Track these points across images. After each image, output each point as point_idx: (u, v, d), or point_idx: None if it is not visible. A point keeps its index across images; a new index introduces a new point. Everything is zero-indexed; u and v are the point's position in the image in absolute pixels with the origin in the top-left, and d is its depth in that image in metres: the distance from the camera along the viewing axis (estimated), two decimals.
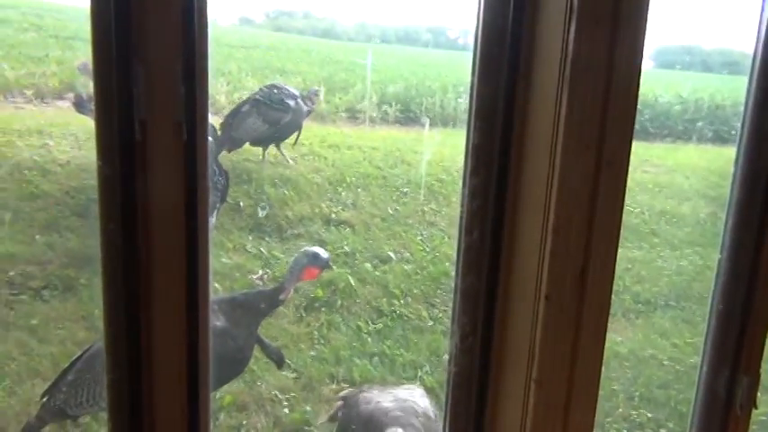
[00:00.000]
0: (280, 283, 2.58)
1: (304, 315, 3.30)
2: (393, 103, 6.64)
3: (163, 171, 0.98)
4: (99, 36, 0.93)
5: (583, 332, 1.17)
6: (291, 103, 4.66)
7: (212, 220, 3.69)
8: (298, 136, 4.81)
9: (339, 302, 3.40)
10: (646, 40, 1.12)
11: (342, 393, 2.59)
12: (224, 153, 4.58)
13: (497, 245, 1.25)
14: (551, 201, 1.13)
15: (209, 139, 1.02)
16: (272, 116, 4.62)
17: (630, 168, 1.24)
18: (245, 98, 4.95)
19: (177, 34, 0.95)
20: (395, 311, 3.39)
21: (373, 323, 3.33)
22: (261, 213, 3.45)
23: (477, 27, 1.20)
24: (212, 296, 2.75)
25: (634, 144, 1.19)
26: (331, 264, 2.80)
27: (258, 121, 4.57)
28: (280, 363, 2.71)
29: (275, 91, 4.75)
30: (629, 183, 1.18)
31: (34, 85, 5.49)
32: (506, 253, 1.24)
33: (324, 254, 2.64)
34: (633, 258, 4.07)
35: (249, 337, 2.45)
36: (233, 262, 3.13)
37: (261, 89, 4.89)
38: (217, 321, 2.34)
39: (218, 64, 6.68)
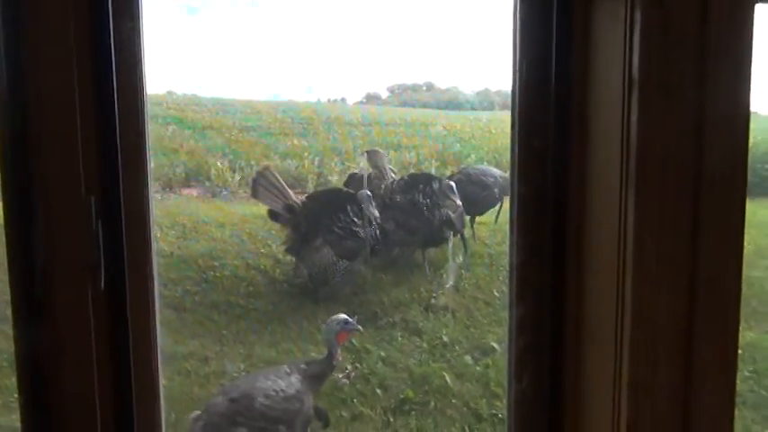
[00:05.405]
0: (328, 354, 2.88)
1: (392, 420, 2.97)
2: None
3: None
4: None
5: None
6: (490, 179, 4.82)
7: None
8: (499, 210, 4.79)
9: (432, 404, 3.04)
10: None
11: None
12: None
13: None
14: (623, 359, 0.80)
15: None
16: (470, 193, 4.64)
17: None
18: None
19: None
20: (496, 415, 2.96)
21: (470, 430, 2.92)
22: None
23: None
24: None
25: None
26: (359, 327, 3.04)
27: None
28: (325, 422, 2.87)
29: (471, 172, 4.95)
30: None
31: (164, 175, 5.74)
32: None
33: (350, 318, 2.96)
34: None
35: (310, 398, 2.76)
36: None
37: (462, 169, 5.10)
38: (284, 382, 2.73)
39: (334, 143, 6.78)
